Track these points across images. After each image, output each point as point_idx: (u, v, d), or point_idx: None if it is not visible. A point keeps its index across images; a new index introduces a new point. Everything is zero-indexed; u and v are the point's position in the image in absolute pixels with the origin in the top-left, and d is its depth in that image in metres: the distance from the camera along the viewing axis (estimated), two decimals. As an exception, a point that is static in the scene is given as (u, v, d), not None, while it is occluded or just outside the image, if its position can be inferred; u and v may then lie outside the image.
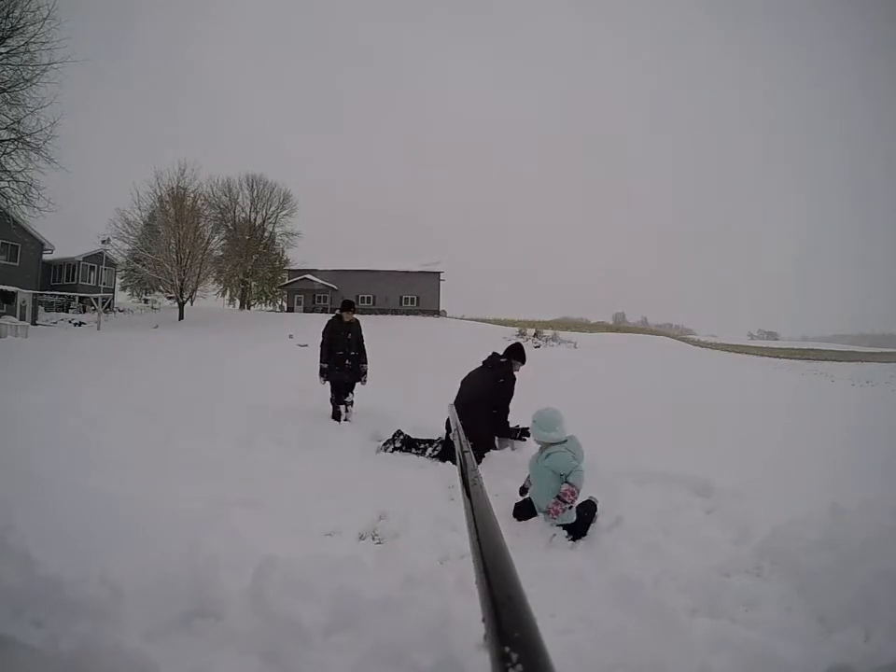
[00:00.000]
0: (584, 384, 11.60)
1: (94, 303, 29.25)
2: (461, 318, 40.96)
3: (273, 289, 45.87)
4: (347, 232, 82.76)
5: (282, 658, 1.59)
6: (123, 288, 40.12)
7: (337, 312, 5.84)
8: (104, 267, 32.39)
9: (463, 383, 4.70)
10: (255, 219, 45.24)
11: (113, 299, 33.26)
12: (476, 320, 40.29)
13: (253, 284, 45.64)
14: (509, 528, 2.62)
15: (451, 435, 4.23)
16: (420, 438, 4.52)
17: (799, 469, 4.09)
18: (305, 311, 38.62)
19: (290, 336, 22.68)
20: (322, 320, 6.29)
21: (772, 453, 4.77)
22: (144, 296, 39.74)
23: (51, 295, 30.26)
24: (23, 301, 25.76)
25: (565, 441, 2.97)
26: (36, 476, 2.67)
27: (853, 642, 1.74)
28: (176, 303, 33.11)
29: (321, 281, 39.83)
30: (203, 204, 36.32)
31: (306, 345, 15.23)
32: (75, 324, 27.23)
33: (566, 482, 2.81)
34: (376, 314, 35.29)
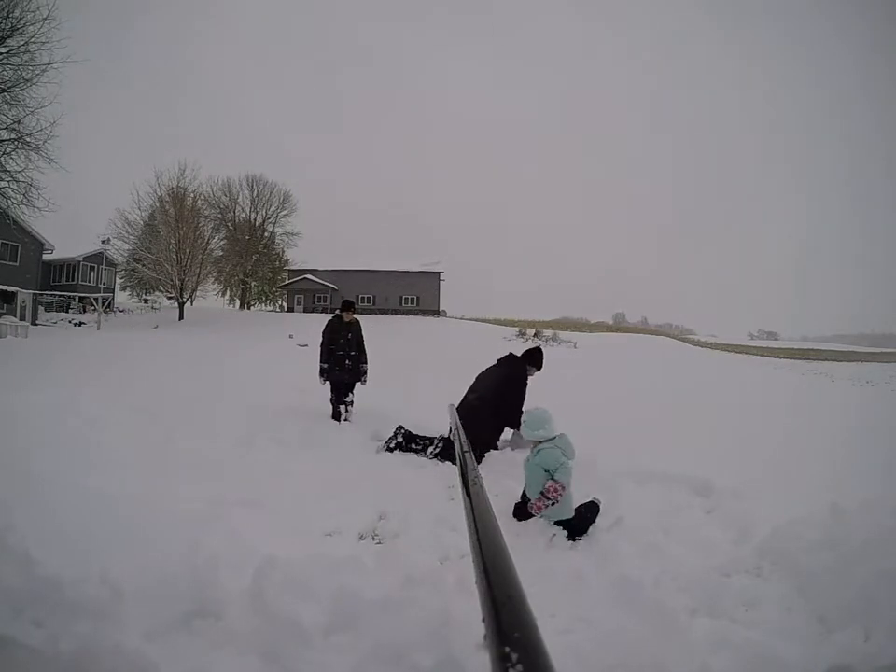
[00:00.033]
0: (584, 384, 11.61)
1: (94, 303, 29.26)
2: (461, 318, 40.98)
3: (273, 289, 45.88)
4: (347, 232, 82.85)
5: (282, 658, 1.59)
6: (123, 288, 40.19)
7: (337, 312, 5.84)
8: (104, 267, 32.39)
9: (476, 380, 4.69)
10: (255, 219, 45.28)
11: (113, 299, 33.26)
12: (476, 320, 40.31)
13: (253, 284, 45.66)
14: (509, 528, 2.62)
15: (451, 435, 4.24)
16: (421, 434, 4.51)
17: (799, 469, 4.09)
18: (305, 311, 38.63)
19: (290, 336, 22.68)
20: (322, 320, 6.29)
21: (772, 453, 4.77)
22: (144, 296, 39.75)
23: (51, 295, 30.26)
24: (23, 301, 25.76)
25: (554, 439, 3.01)
26: (36, 476, 2.67)
27: (853, 642, 1.74)
28: (176, 303, 33.12)
29: (321, 281, 39.84)
30: (202, 204, 36.38)
31: (306, 345, 15.23)
32: (75, 324, 27.24)
33: (551, 478, 2.84)
34: (376, 314, 35.30)
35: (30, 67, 15.85)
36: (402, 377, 9.19)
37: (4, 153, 15.89)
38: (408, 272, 40.56)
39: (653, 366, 21.07)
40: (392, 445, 4.49)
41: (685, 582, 2.22)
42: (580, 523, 2.80)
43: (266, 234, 45.73)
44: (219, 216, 42.40)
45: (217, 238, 39.27)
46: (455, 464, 3.59)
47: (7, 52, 15.69)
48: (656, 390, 11.77)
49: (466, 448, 3.24)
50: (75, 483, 2.65)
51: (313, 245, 46.59)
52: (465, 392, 4.71)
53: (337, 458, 4.22)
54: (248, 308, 45.27)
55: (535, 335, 32.71)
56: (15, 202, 16.36)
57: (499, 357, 4.80)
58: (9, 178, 15.98)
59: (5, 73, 15.80)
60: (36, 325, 24.90)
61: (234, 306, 44.76)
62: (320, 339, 5.72)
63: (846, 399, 13.77)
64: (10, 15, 15.43)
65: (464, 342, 24.70)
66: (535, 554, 2.52)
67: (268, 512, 2.81)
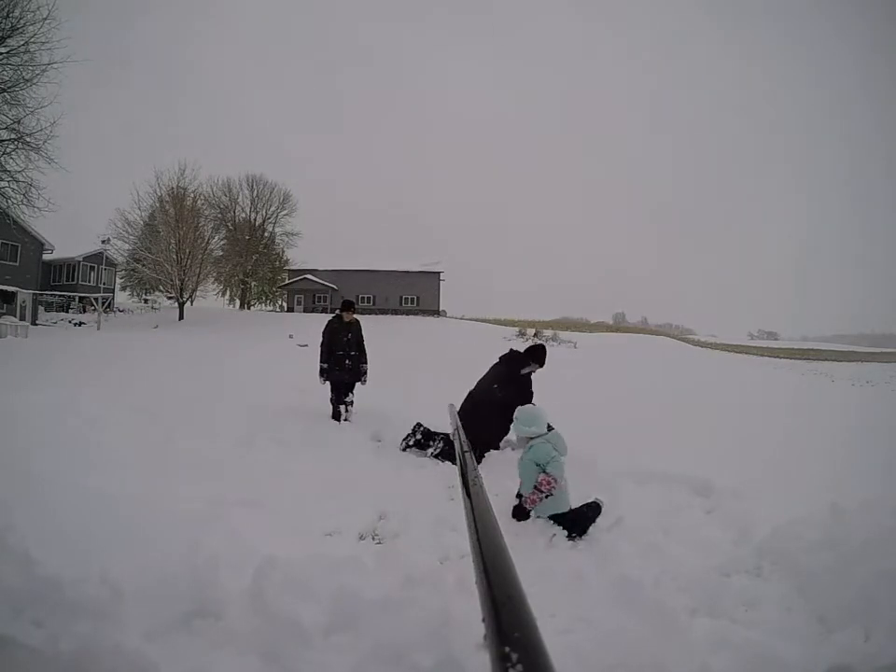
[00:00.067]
0: (584, 384, 11.61)
1: (94, 303, 29.26)
2: (461, 318, 40.97)
3: (273, 289, 45.87)
4: (347, 232, 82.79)
5: (282, 658, 1.59)
6: (123, 288, 40.17)
7: (337, 312, 5.83)
8: (104, 267, 32.39)
9: (479, 381, 4.69)
10: (255, 219, 45.27)
11: (113, 299, 33.26)
12: (476, 320, 40.30)
13: (253, 284, 45.65)
14: (509, 528, 2.62)
15: (451, 434, 4.24)
16: (439, 432, 4.47)
17: (799, 469, 4.09)
18: (305, 311, 38.63)
19: (290, 336, 22.68)
20: (322, 320, 6.29)
21: (772, 453, 4.77)
22: (144, 296, 39.74)
23: (51, 295, 30.26)
24: (23, 301, 25.76)
25: (545, 435, 3.05)
26: (36, 476, 2.67)
27: (853, 642, 1.74)
28: (176, 303, 33.12)
29: (321, 281, 39.84)
30: (203, 204, 36.35)
31: (306, 345, 15.23)
32: (75, 324, 27.24)
33: (543, 471, 2.88)
34: (376, 314, 35.30)
35: (30, 67, 15.87)
36: (402, 377, 9.19)
37: (4, 153, 15.89)
38: (408, 272, 40.55)
39: (653, 366, 21.07)
40: (411, 443, 4.47)
41: (685, 582, 2.22)
42: (577, 518, 2.81)
43: (266, 234, 45.73)
44: (219, 216, 42.40)
45: (217, 238, 39.28)
46: (455, 464, 3.60)
47: (7, 52, 15.70)
48: (656, 390, 11.77)
49: (466, 448, 3.25)
50: (75, 483, 2.65)
51: (313, 245, 46.68)
52: (468, 391, 4.70)
53: (337, 458, 4.22)
54: (248, 308, 45.27)
55: (535, 335, 32.70)
56: (15, 202, 16.37)
57: (500, 355, 4.78)
58: (9, 178, 15.99)
59: (5, 73, 15.82)
60: (36, 325, 24.90)
61: (234, 306, 44.78)
62: (320, 339, 5.71)
63: (846, 399, 13.78)
64: (10, 15, 15.44)
65: (464, 342, 24.70)
66: (535, 554, 2.52)
67: (268, 512, 2.81)
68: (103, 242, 31.70)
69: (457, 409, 4.50)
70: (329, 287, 39.85)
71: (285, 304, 42.66)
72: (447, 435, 4.42)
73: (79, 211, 37.58)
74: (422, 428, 4.53)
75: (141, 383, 7.25)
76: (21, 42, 15.68)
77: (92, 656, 1.46)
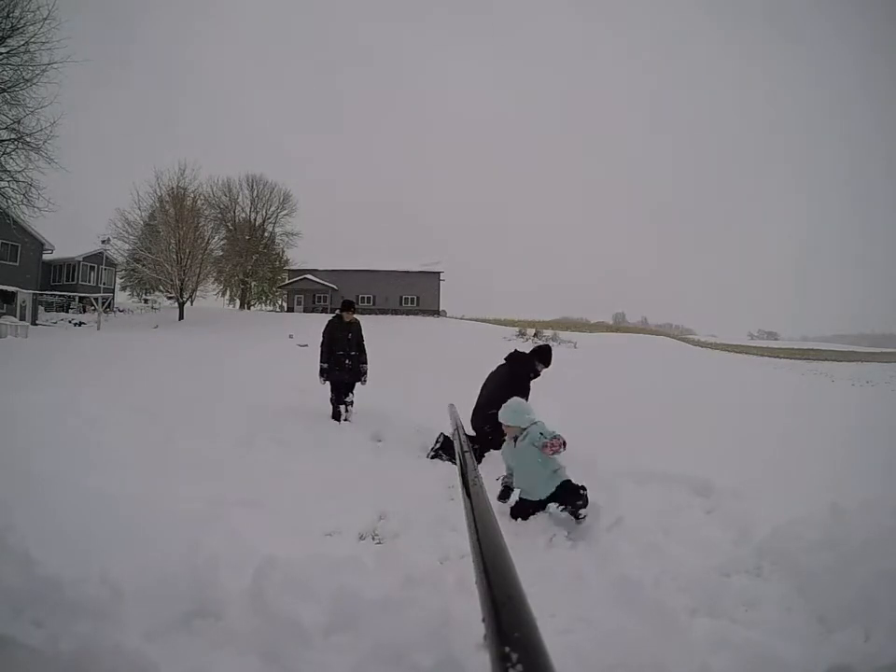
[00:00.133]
0: (584, 384, 11.60)
1: (94, 303, 29.26)
2: (461, 318, 40.97)
3: (273, 289, 45.87)
4: (347, 232, 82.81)
5: (282, 658, 1.59)
6: (123, 288, 40.17)
7: (337, 312, 5.84)
8: (104, 267, 32.39)
9: (484, 384, 4.71)
10: (255, 219, 45.27)
11: (113, 299, 33.26)
12: (476, 320, 40.29)
13: (253, 284, 45.65)
14: (509, 528, 2.62)
15: (451, 434, 4.24)
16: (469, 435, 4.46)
17: (799, 469, 4.09)
18: (305, 311, 38.62)
19: (290, 336, 22.68)
20: (322, 320, 6.30)
21: (772, 453, 4.77)
22: (144, 296, 39.74)
23: (51, 295, 30.26)
24: (23, 301, 25.77)
25: (535, 424, 3.09)
26: (36, 476, 2.67)
27: (853, 642, 1.74)
28: (176, 303, 33.12)
29: (321, 281, 39.84)
30: (203, 204, 36.37)
31: (306, 345, 15.23)
32: (75, 324, 27.24)
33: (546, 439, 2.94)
34: (376, 314, 35.29)
35: (30, 67, 15.88)
36: (402, 377, 9.19)
37: (4, 153, 15.90)
38: (408, 272, 40.55)
39: (653, 366, 21.08)
40: (438, 449, 4.44)
41: (685, 582, 2.22)
42: (570, 491, 2.87)
43: (266, 234, 45.72)
44: (219, 216, 42.40)
45: (217, 238, 39.30)
46: (452, 462, 3.60)
47: (7, 52, 15.70)
48: (656, 390, 11.77)
49: (466, 448, 3.26)
50: (75, 482, 2.65)
51: (313, 245, 46.68)
52: (479, 389, 4.73)
53: (337, 458, 4.23)
54: (248, 308, 45.26)
55: (535, 335, 32.70)
56: (15, 202, 16.37)
57: (506, 356, 4.82)
58: (9, 178, 15.99)
59: (5, 73, 15.83)
60: (36, 325, 24.90)
61: (234, 306, 44.77)
62: (320, 339, 5.72)
63: (846, 399, 13.78)
64: (10, 15, 15.45)
65: (464, 342, 24.71)
66: (535, 554, 2.52)
67: (268, 512, 2.81)
68: (103, 242, 31.72)
69: (473, 405, 4.54)
70: (329, 287, 39.85)
71: (285, 304, 42.66)
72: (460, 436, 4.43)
73: (79, 211, 37.66)
74: (443, 437, 4.49)
75: (141, 383, 7.25)
76: (21, 42, 15.71)
77: (92, 656, 1.46)
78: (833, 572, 2.09)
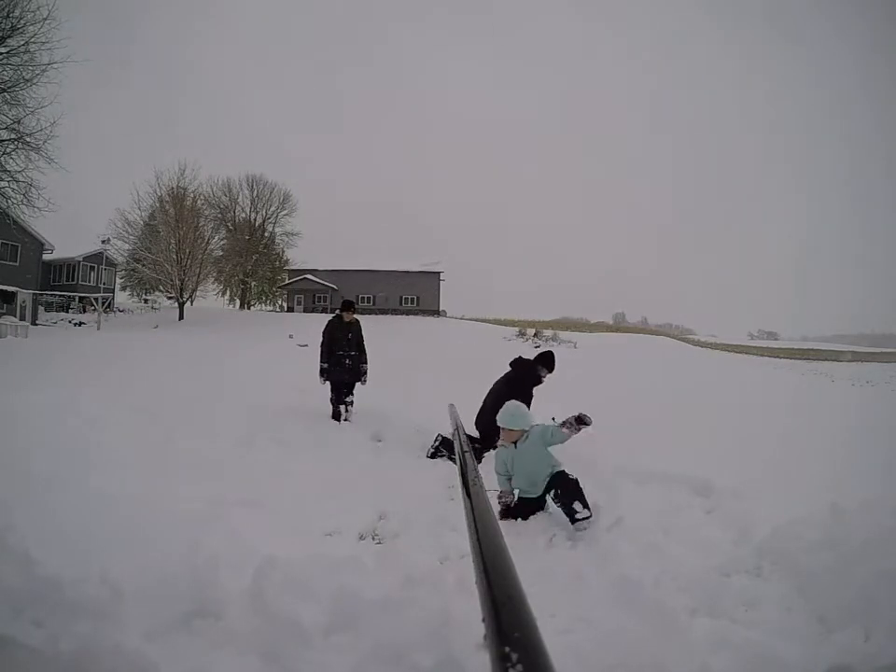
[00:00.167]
0: (584, 384, 11.59)
1: (94, 303, 29.26)
2: (461, 318, 40.97)
3: (273, 289, 45.87)
4: (347, 232, 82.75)
5: (282, 658, 1.59)
6: (123, 288, 40.16)
7: (337, 312, 5.84)
8: (104, 267, 32.40)
9: (490, 391, 4.75)
10: (255, 219, 45.27)
11: (113, 299, 33.26)
12: (476, 320, 40.30)
13: (253, 284, 45.65)
14: (509, 528, 2.62)
15: (451, 434, 4.25)
16: (473, 436, 4.44)
17: (799, 469, 4.09)
18: (305, 311, 38.62)
19: (290, 336, 22.69)
20: (322, 320, 6.30)
21: (772, 453, 4.76)
22: (144, 296, 39.73)
23: (51, 295, 30.27)
24: (23, 301, 25.77)
25: (536, 424, 3.14)
26: (36, 476, 2.67)
27: (853, 642, 1.74)
28: (176, 303, 33.12)
29: (321, 281, 39.84)
30: (203, 204, 36.36)
31: (306, 345, 15.23)
32: (75, 324, 27.24)
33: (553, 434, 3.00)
34: (376, 314, 35.29)
35: (30, 67, 15.88)
36: (402, 377, 9.19)
37: (4, 153, 15.90)
38: (408, 272, 40.55)
39: (653, 366, 21.07)
40: (437, 452, 4.47)
41: (685, 582, 2.22)
42: (562, 482, 2.86)
43: (266, 234, 45.72)
44: (219, 216, 42.40)
45: (217, 238, 39.29)
46: (452, 458, 3.59)
47: (7, 52, 15.70)
48: (656, 390, 11.77)
49: (466, 448, 3.26)
50: (75, 482, 2.65)
51: (313, 245, 46.67)
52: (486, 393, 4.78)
53: (337, 458, 4.23)
54: (248, 308, 45.27)
55: (535, 335, 32.70)
56: (15, 202, 16.37)
57: (510, 361, 4.90)
58: (9, 178, 15.99)
59: (5, 73, 15.83)
60: (36, 325, 24.90)
61: (234, 306, 44.77)
62: (320, 339, 5.72)
63: (846, 399, 13.77)
64: (10, 15, 15.45)
65: (464, 342, 24.72)
66: (535, 554, 2.52)
67: (268, 512, 2.81)
68: (103, 242, 31.72)
69: (473, 405, 4.59)
70: (329, 287, 39.85)
71: (285, 304, 42.66)
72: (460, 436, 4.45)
73: (79, 211, 37.62)
74: (441, 438, 4.53)
75: (141, 383, 7.25)
76: (21, 42, 15.71)
77: (92, 656, 1.46)
78: (832, 572, 2.09)
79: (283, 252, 46.01)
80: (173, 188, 33.17)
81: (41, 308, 28.33)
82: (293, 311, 39.67)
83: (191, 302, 34.87)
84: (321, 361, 5.61)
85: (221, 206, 43.26)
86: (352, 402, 5.63)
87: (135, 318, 31.73)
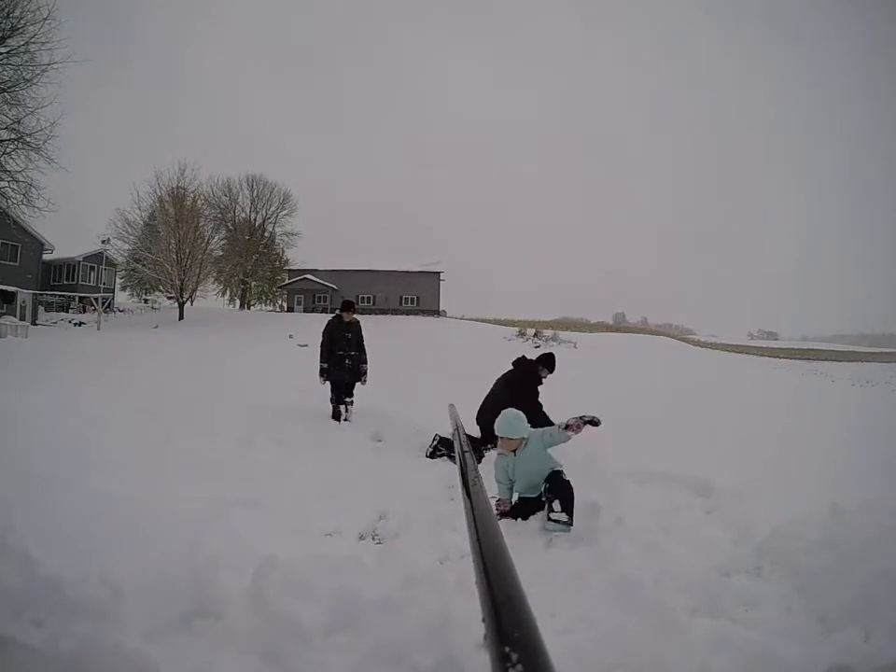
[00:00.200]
0: (584, 384, 11.59)
1: (94, 303, 29.25)
2: (461, 318, 40.95)
3: (273, 289, 45.86)
4: (347, 232, 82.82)
5: (282, 658, 1.59)
6: (123, 288, 40.14)
7: (337, 312, 5.84)
8: (104, 267, 32.39)
9: (492, 390, 4.80)
10: (255, 219, 45.25)
11: (113, 299, 33.25)
12: (476, 320, 40.27)
13: (253, 284, 45.64)
14: (509, 528, 2.62)
15: (451, 434, 4.25)
16: (473, 436, 4.45)
17: (799, 469, 4.09)
18: (305, 311, 38.60)
19: (290, 336, 22.67)
20: (322, 320, 6.29)
21: (772, 453, 4.77)
22: (144, 296, 39.72)
23: (51, 295, 30.26)
24: (23, 301, 25.76)
25: (533, 431, 3.13)
26: (36, 476, 2.67)
27: (853, 642, 1.74)
28: (176, 303, 33.10)
29: (321, 281, 39.83)
30: (203, 204, 36.33)
31: (306, 345, 15.23)
32: (75, 324, 27.23)
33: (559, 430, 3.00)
34: (376, 314, 35.28)
35: (30, 67, 15.86)
36: (402, 377, 9.19)
37: (4, 153, 15.89)
38: (408, 272, 40.54)
39: (653, 366, 21.07)
40: (436, 453, 4.47)
41: (685, 582, 2.22)
42: (555, 482, 2.84)
43: (266, 234, 45.70)
44: (219, 216, 42.37)
45: (217, 238, 39.25)
46: (451, 456, 3.59)
47: (7, 52, 15.69)
48: (656, 390, 11.76)
49: (466, 448, 3.26)
50: (75, 482, 2.65)
51: (313, 245, 46.66)
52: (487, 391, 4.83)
53: (337, 458, 4.23)
54: (248, 308, 45.25)
55: (535, 335, 32.68)
56: (15, 202, 16.36)
57: (513, 361, 4.96)
58: (9, 178, 15.97)
59: (5, 73, 15.81)
60: (36, 325, 24.89)
61: (234, 306, 44.75)
62: (320, 339, 5.72)
63: (846, 399, 13.77)
64: (10, 15, 15.43)
65: (464, 342, 24.71)
66: (535, 554, 2.52)
67: (268, 512, 2.81)
68: (103, 242, 31.70)
69: (473, 405, 4.63)
70: (329, 287, 39.84)
71: (285, 304, 42.64)
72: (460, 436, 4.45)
73: (79, 211, 37.68)
74: (439, 438, 4.54)
75: (141, 383, 7.25)
76: (21, 42, 15.69)
77: (92, 656, 1.46)
78: (833, 572, 2.09)
79: (283, 252, 46.00)
80: (173, 188, 33.17)
81: (41, 308, 28.33)
82: (293, 311, 39.65)
83: (191, 302, 34.86)
84: (321, 361, 5.61)
85: (221, 206, 43.26)
86: (352, 402, 5.63)
87: (135, 318, 31.72)
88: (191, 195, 34.03)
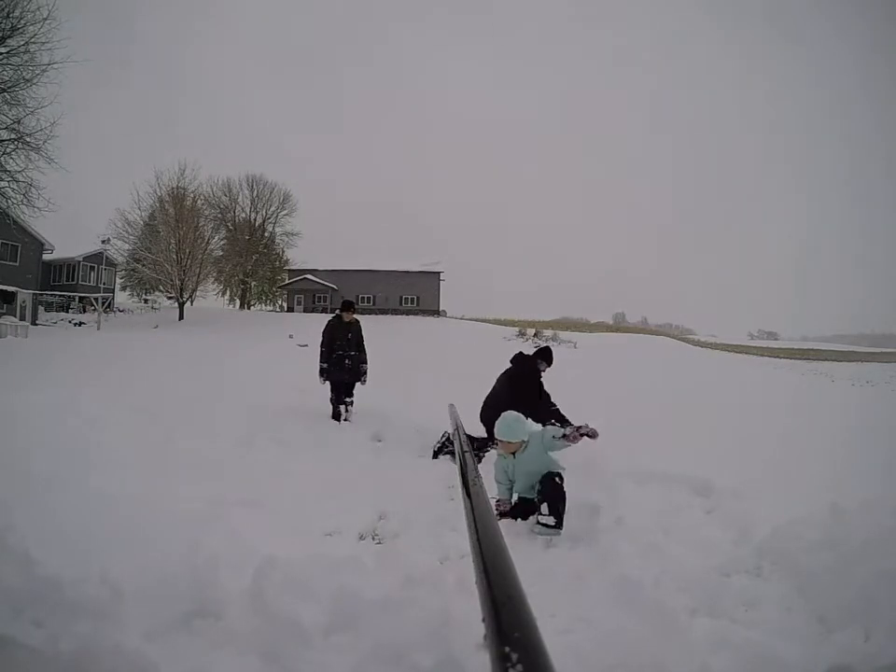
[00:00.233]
0: (584, 384, 11.59)
1: (94, 303, 29.25)
2: (461, 318, 40.96)
3: (273, 289, 45.86)
4: (347, 232, 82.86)
5: (282, 658, 1.59)
6: (123, 288, 40.14)
7: (337, 312, 5.84)
8: (104, 267, 32.39)
9: (494, 387, 4.82)
10: (255, 219, 45.25)
11: (113, 299, 33.25)
12: (476, 320, 40.27)
13: (253, 284, 45.64)
14: (509, 528, 2.62)
15: (451, 434, 4.25)
16: (477, 437, 4.43)
17: (799, 469, 4.09)
18: (305, 311, 38.61)
19: (290, 336, 22.68)
20: (322, 320, 6.29)
21: (772, 453, 4.77)
22: (144, 296, 39.71)
23: (51, 295, 30.26)
24: (23, 301, 25.76)
25: (533, 433, 3.11)
26: (36, 476, 2.67)
27: (853, 642, 1.74)
28: (176, 303, 33.10)
29: (321, 281, 39.83)
30: (203, 204, 36.33)
31: (306, 345, 15.23)
32: (75, 324, 27.23)
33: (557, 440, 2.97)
34: (376, 314, 35.28)
35: (30, 67, 15.86)
36: (402, 377, 9.19)
37: (4, 153, 15.89)
38: (408, 272, 40.54)
39: (653, 366, 21.08)
40: (442, 452, 4.47)
41: (685, 582, 2.22)
42: (547, 484, 2.83)
43: (266, 234, 45.70)
44: (219, 216, 42.37)
45: (217, 238, 39.26)
46: (452, 461, 3.58)
47: (7, 52, 15.69)
48: (656, 390, 11.77)
49: (466, 448, 3.26)
50: (75, 482, 2.65)
51: (313, 245, 46.66)
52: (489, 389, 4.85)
53: (337, 458, 4.23)
54: (248, 308, 45.25)
55: (535, 335, 32.69)
56: (15, 202, 16.36)
57: (511, 358, 5.00)
58: (9, 178, 15.98)
59: (5, 73, 15.81)
60: (36, 325, 24.89)
61: (234, 306, 44.75)
62: (320, 339, 5.72)
63: (846, 399, 13.78)
64: (10, 15, 15.44)
65: (464, 342, 24.71)
66: (535, 554, 2.52)
67: (268, 512, 2.81)
68: (103, 242, 31.70)
69: (473, 405, 4.63)
70: (329, 287, 39.84)
71: (285, 304, 42.64)
72: (484, 439, 4.44)
73: (79, 211, 37.66)
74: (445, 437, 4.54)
75: (141, 383, 7.25)
76: (21, 42, 15.69)
77: (92, 656, 1.46)
78: (832, 572, 2.09)
79: (283, 252, 46.00)
80: (173, 188, 33.16)
81: (41, 308, 28.32)
82: (293, 311, 39.65)
83: (191, 302, 34.86)
84: (321, 361, 5.61)
85: (221, 206, 43.25)
86: (352, 402, 5.63)
87: (135, 318, 31.71)
88: (191, 195, 34.05)
